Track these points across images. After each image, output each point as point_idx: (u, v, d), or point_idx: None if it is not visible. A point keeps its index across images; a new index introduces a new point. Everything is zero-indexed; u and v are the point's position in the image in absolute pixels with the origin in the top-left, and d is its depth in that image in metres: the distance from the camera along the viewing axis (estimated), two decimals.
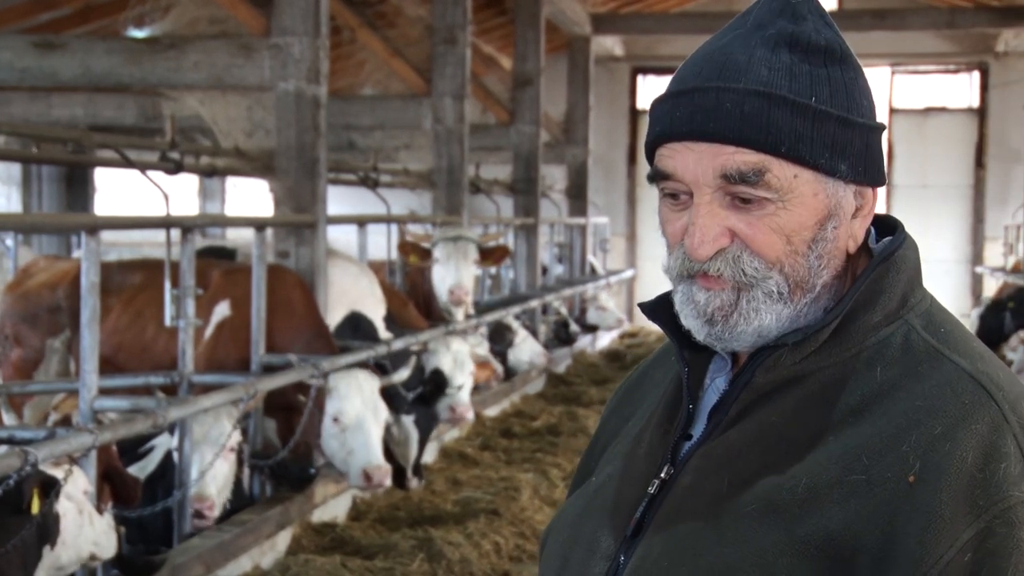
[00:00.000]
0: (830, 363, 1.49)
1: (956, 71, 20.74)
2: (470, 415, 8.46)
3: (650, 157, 1.55)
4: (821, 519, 1.39)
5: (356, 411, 6.58)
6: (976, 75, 20.59)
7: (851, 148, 1.49)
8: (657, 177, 1.52)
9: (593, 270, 17.77)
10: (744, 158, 1.45)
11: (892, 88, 20.30)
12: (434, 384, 7.87)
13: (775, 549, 1.40)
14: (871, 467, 1.40)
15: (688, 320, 1.53)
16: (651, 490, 1.53)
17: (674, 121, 1.50)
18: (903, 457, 1.39)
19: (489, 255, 9.66)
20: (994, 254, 19.44)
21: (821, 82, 1.48)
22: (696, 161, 1.47)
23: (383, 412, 6.75)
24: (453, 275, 9.24)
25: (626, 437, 1.69)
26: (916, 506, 1.37)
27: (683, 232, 1.50)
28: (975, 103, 20.55)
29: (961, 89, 20.67)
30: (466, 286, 9.26)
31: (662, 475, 1.54)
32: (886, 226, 1.59)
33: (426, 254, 9.43)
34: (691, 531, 1.46)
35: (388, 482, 6.65)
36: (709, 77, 1.48)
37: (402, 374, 7.15)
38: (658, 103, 1.54)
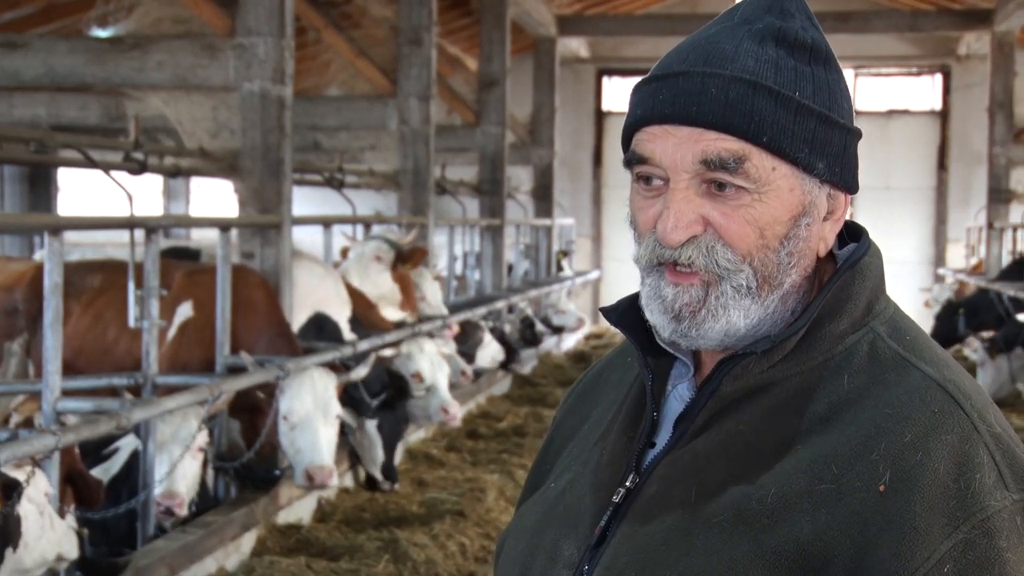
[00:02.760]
0: (797, 371, 1.48)
1: (919, 74, 20.91)
2: (460, 413, 8.54)
3: (627, 141, 1.54)
4: (791, 529, 1.38)
5: (305, 409, 6.55)
6: (938, 78, 20.76)
7: (830, 147, 1.49)
8: (633, 161, 1.50)
9: (560, 267, 17.83)
10: (725, 144, 1.45)
11: (855, 90, 20.44)
12: (397, 389, 7.83)
13: (745, 560, 1.39)
14: (841, 476, 1.39)
15: (654, 315, 1.51)
16: (616, 499, 1.52)
17: (656, 104, 1.48)
18: (873, 466, 1.39)
19: (408, 257, 9.61)
20: (956, 256, 19.61)
21: (805, 79, 1.48)
22: (676, 145, 1.46)
23: (335, 411, 6.70)
24: (349, 277, 9.22)
25: (584, 441, 1.67)
26: (889, 517, 1.36)
27: (655, 219, 1.48)
28: (937, 106, 20.71)
29: (923, 92, 20.83)
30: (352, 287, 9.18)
31: (627, 484, 1.52)
32: (850, 232, 1.58)
33: None
34: (658, 541, 1.45)
35: (332, 483, 6.60)
36: (694, 63, 1.48)
37: (360, 372, 7.12)
38: (640, 87, 1.53)
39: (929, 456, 1.38)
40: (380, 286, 9.28)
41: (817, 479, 1.40)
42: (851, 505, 1.38)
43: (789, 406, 1.47)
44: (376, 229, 10.13)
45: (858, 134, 1.53)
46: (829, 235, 1.53)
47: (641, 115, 1.50)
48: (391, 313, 9.09)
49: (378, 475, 7.76)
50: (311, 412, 6.57)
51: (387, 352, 8.07)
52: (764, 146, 1.45)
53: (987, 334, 12.70)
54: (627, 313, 1.59)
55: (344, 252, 9.75)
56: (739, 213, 1.46)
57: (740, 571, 1.39)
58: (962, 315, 12.81)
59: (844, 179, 1.52)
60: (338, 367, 7.08)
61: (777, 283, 1.49)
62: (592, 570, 1.49)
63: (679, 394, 1.56)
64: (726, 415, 1.49)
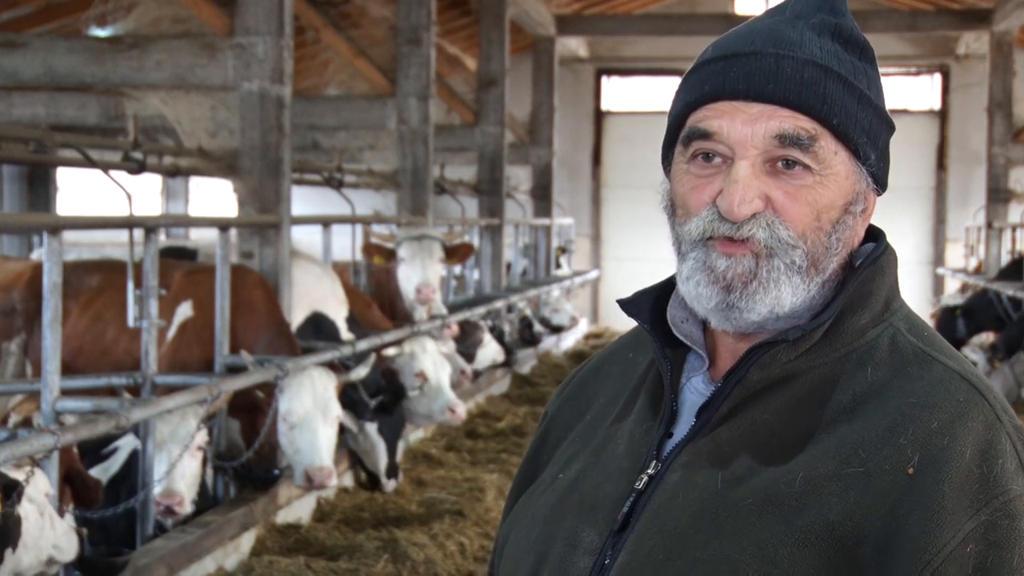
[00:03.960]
0: (820, 363, 1.51)
1: (917, 73, 20.90)
2: (464, 412, 8.58)
3: (679, 121, 1.55)
4: (820, 510, 1.41)
5: (304, 410, 6.54)
6: (937, 77, 20.76)
7: (880, 141, 1.54)
8: (694, 137, 1.51)
9: (558, 263, 17.86)
10: (801, 123, 1.48)
11: None
12: (391, 393, 7.80)
13: (775, 540, 1.41)
14: (868, 460, 1.42)
15: (699, 287, 1.52)
16: (638, 485, 1.53)
17: (728, 80, 1.50)
18: (901, 449, 1.42)
19: (453, 253, 9.65)
20: (955, 255, 19.61)
21: (861, 73, 1.52)
22: (746, 121, 1.48)
23: (335, 411, 6.70)
24: (419, 274, 9.22)
25: (588, 432, 1.68)
26: (917, 497, 1.39)
27: (712, 197, 1.50)
28: (936, 105, 20.71)
29: (922, 91, 20.83)
30: (433, 284, 9.25)
31: (649, 471, 1.54)
32: (867, 233, 1.62)
33: (390, 255, 9.39)
34: (686, 525, 1.47)
35: (331, 483, 6.59)
36: (764, 45, 1.50)
37: (360, 372, 7.12)
38: (701, 67, 1.54)
39: (956, 441, 1.42)
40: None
41: (845, 463, 1.43)
42: (880, 486, 1.41)
43: (813, 396, 1.50)
44: (375, 227, 10.11)
45: (894, 131, 1.57)
46: (860, 231, 1.57)
47: (710, 91, 1.51)
48: (426, 311, 9.20)
49: (383, 478, 7.76)
50: (310, 412, 6.56)
51: (390, 351, 8.07)
52: (833, 129, 1.49)
53: (988, 337, 12.69)
54: (644, 306, 1.62)
55: (367, 249, 9.55)
56: (801, 193, 1.49)
57: (770, 551, 1.41)
58: (960, 318, 12.82)
59: (883, 176, 1.57)
60: (337, 367, 7.07)
61: (822, 268, 1.52)
62: (616, 555, 1.50)
63: (693, 386, 1.59)
64: (750, 404, 1.51)
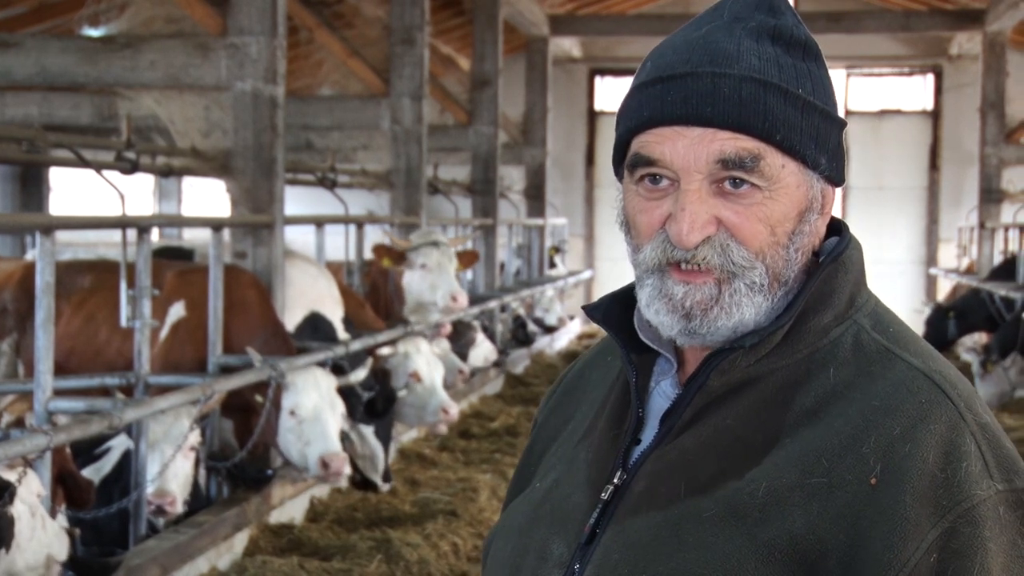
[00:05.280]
0: (782, 365, 1.48)
1: (911, 74, 20.93)
2: (457, 413, 8.59)
3: (624, 144, 1.53)
4: (783, 523, 1.39)
5: (313, 403, 6.56)
6: (930, 78, 20.78)
7: (830, 143, 1.50)
8: (639, 164, 1.49)
9: (552, 263, 17.85)
10: (742, 144, 1.45)
11: (847, 90, 20.47)
12: (382, 397, 7.79)
13: (739, 554, 1.39)
14: (831, 469, 1.40)
15: (659, 315, 1.49)
16: (604, 496, 1.51)
17: (666, 105, 1.47)
18: (863, 459, 1.39)
19: (460, 259, 9.68)
20: (948, 255, 19.63)
21: (804, 76, 1.48)
22: (688, 146, 1.45)
23: (340, 407, 6.73)
24: (447, 282, 9.26)
25: (568, 441, 1.66)
26: (880, 509, 1.37)
27: (662, 221, 1.48)
28: (929, 106, 20.74)
29: (915, 91, 20.86)
30: (462, 290, 9.37)
31: (615, 481, 1.52)
32: (829, 227, 1.59)
33: (400, 257, 9.39)
34: (650, 538, 1.45)
35: (347, 470, 6.62)
36: (699, 63, 1.47)
37: (359, 374, 7.12)
38: (641, 89, 1.52)
39: (918, 446, 1.39)
40: None
41: (808, 473, 1.40)
42: (843, 498, 1.38)
43: (776, 400, 1.47)
44: (372, 229, 10.11)
45: (845, 126, 1.54)
46: (820, 229, 1.54)
47: (649, 116, 1.49)
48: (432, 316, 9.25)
49: (379, 481, 7.75)
50: (319, 404, 6.58)
51: (384, 351, 8.07)
52: (777, 144, 1.46)
53: (980, 338, 12.69)
54: (610, 310, 1.60)
55: (378, 250, 9.54)
56: (751, 211, 1.46)
57: (734, 565, 1.39)
58: (952, 319, 12.81)
59: (838, 173, 1.53)
60: (336, 369, 7.07)
61: (784, 279, 1.49)
62: (583, 568, 1.49)
63: (662, 391, 1.56)
64: (713, 410, 1.49)
